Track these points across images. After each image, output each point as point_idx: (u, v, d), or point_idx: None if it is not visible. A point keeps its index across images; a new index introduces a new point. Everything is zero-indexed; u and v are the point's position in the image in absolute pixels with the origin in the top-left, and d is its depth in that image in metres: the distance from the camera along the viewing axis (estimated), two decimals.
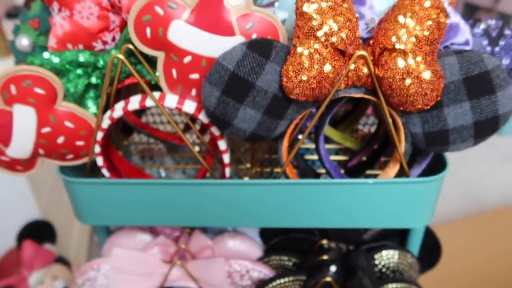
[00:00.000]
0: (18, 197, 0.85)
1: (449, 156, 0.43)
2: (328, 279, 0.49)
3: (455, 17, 0.37)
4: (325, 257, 0.52)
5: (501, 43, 0.38)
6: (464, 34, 0.37)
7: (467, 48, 0.37)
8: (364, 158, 0.51)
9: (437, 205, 0.45)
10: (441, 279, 1.04)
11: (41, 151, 0.41)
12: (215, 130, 0.40)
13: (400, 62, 0.33)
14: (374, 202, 0.42)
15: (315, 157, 0.57)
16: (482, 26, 0.38)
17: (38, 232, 0.78)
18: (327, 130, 0.53)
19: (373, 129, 0.63)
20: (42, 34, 0.43)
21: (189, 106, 0.38)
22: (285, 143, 0.40)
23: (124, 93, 0.46)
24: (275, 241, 0.56)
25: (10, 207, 0.84)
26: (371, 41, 0.35)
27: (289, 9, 0.41)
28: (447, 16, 0.33)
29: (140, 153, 0.59)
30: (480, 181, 1.45)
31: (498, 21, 0.38)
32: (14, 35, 0.44)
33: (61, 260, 0.78)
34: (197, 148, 0.60)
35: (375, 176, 0.54)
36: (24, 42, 0.43)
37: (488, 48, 0.38)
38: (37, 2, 0.42)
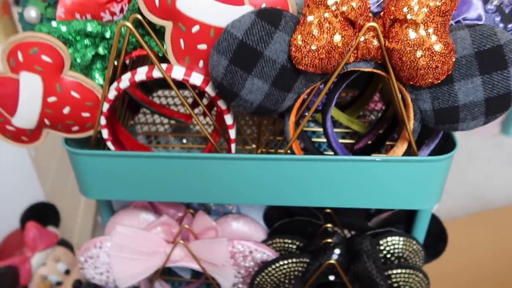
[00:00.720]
0: (23, 180, 0.85)
1: (455, 155, 0.42)
2: (332, 261, 0.49)
3: None
4: (329, 240, 0.51)
5: None
6: (476, 9, 0.36)
7: (479, 23, 0.37)
8: (370, 141, 0.51)
9: (441, 202, 0.44)
10: (445, 276, 1.04)
11: (46, 121, 0.40)
12: (221, 104, 0.40)
13: (411, 33, 0.33)
14: (381, 182, 0.41)
15: (321, 139, 0.56)
16: (495, 2, 0.37)
17: (42, 214, 0.78)
18: (334, 112, 0.53)
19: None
20: (50, 6, 0.43)
21: (196, 78, 0.38)
22: (292, 118, 0.39)
23: (130, 68, 0.46)
24: (279, 224, 0.55)
25: (15, 190, 0.84)
26: (381, 13, 0.34)
27: None
28: None
29: (146, 133, 0.58)
30: (486, 181, 1.44)
31: None
32: (22, 7, 0.44)
33: (64, 243, 0.78)
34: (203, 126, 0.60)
35: None
36: (32, 13, 0.43)
37: (501, 25, 0.37)
38: None
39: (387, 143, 0.50)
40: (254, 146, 0.52)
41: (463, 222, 1.20)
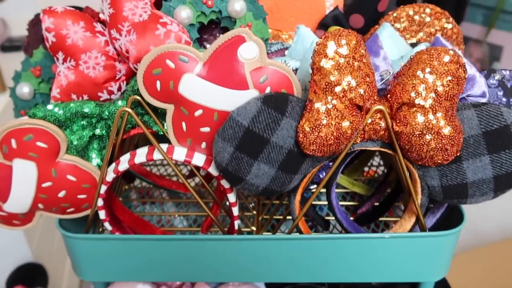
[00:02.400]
0: (10, 238, 0.82)
1: None
2: None
3: (471, 69, 0.36)
4: None
5: None
6: (480, 87, 0.36)
7: (484, 99, 0.37)
8: (375, 204, 0.50)
9: None
10: None
11: (40, 205, 0.38)
12: (224, 183, 0.38)
13: (420, 118, 0.32)
14: (389, 256, 0.40)
15: (322, 202, 0.55)
16: (497, 77, 0.37)
17: (30, 275, 0.75)
18: None
19: (378, 171, 0.62)
20: (44, 82, 0.42)
21: (199, 159, 0.37)
22: (298, 197, 0.38)
23: (128, 142, 0.44)
24: None
25: (2, 247, 0.80)
26: (388, 95, 0.34)
27: (300, 57, 0.40)
28: (466, 71, 0.32)
29: (141, 199, 0.56)
30: (478, 212, 1.44)
31: None
32: (14, 82, 0.42)
33: None
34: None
35: (385, 223, 0.52)
36: (25, 89, 0.42)
37: (504, 99, 0.38)
38: (39, 49, 0.41)
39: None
40: (254, 212, 0.50)
41: (459, 259, 1.19)
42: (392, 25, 0.43)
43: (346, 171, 0.55)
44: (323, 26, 0.48)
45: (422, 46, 0.40)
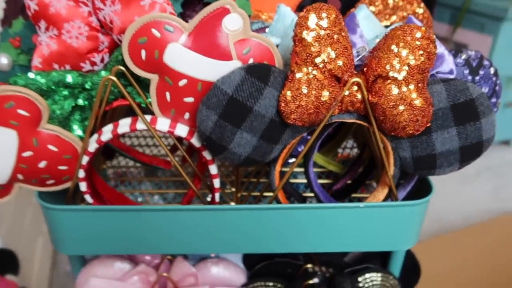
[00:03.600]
0: None
1: None
2: None
3: (440, 48, 0.38)
4: (310, 281, 0.51)
5: (481, 72, 0.40)
6: (448, 64, 0.38)
7: (451, 76, 0.39)
8: (348, 182, 0.52)
9: None
10: None
11: (20, 176, 0.38)
12: (206, 154, 0.39)
13: (394, 90, 0.34)
14: (363, 226, 0.42)
15: (298, 180, 0.57)
16: (464, 56, 0.40)
17: (0, 262, 0.73)
18: None
19: (352, 153, 0.64)
20: (23, 53, 0.42)
21: (182, 130, 0.38)
22: (277, 167, 0.40)
23: (109, 116, 0.44)
24: (259, 266, 0.55)
25: None
26: (364, 69, 0.36)
27: (281, 35, 0.41)
28: (436, 47, 0.34)
29: (119, 178, 0.57)
30: (441, 203, 1.51)
31: (478, 52, 0.41)
32: None
33: None
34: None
35: (359, 199, 0.55)
36: (3, 60, 0.41)
37: (469, 77, 0.40)
38: (19, 20, 0.41)
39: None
40: (233, 189, 0.52)
41: (424, 245, 1.25)
42: (367, 8, 0.46)
43: (321, 152, 0.57)
44: (301, 8, 0.50)
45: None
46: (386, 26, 0.45)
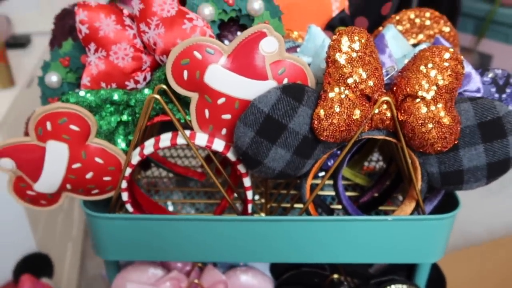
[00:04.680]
0: (15, 227, 0.83)
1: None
2: None
3: (467, 67, 0.40)
4: None
5: (508, 90, 0.41)
6: (476, 83, 0.40)
7: (478, 95, 0.40)
8: (375, 194, 0.53)
9: None
10: None
11: (68, 186, 0.41)
12: (241, 168, 0.42)
13: (423, 108, 0.36)
14: (391, 238, 0.43)
15: (325, 192, 0.58)
16: (491, 75, 0.41)
17: (36, 265, 0.76)
18: None
19: (377, 166, 0.65)
20: (72, 71, 0.45)
21: (219, 145, 0.40)
22: (308, 181, 0.42)
23: (147, 132, 0.47)
24: (287, 275, 0.56)
25: (9, 238, 0.82)
26: (394, 88, 0.37)
27: (312, 54, 0.44)
28: (464, 67, 0.36)
29: (152, 187, 0.59)
30: (466, 215, 1.49)
31: (504, 71, 0.42)
32: (43, 72, 0.45)
33: None
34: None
35: (385, 212, 0.56)
36: (53, 78, 0.44)
37: (496, 95, 0.41)
38: (68, 41, 0.44)
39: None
40: (262, 200, 0.54)
41: (448, 259, 1.23)
42: (395, 27, 0.47)
43: (348, 165, 0.58)
44: (330, 27, 0.52)
45: (423, 46, 0.44)
46: (414, 45, 0.47)
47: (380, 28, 0.50)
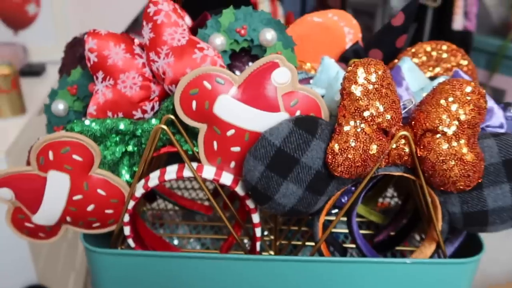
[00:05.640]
0: (17, 257, 0.81)
1: None
2: None
3: (489, 101, 0.38)
4: None
5: None
6: (498, 118, 0.38)
7: (502, 130, 0.38)
8: (391, 233, 0.50)
9: None
10: None
11: (68, 218, 0.39)
12: (250, 203, 0.39)
13: (444, 144, 0.34)
14: (409, 283, 0.40)
15: (337, 230, 0.56)
16: None
17: None
18: None
19: (392, 202, 0.62)
20: (79, 100, 0.44)
21: (227, 178, 0.38)
22: (321, 219, 0.39)
23: (153, 163, 0.46)
24: None
25: (9, 268, 0.80)
26: (412, 122, 0.36)
27: (325, 86, 0.42)
28: (486, 101, 0.34)
29: (157, 220, 0.57)
30: (485, 255, 1.43)
31: None
32: (50, 99, 0.44)
33: None
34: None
35: (401, 252, 0.53)
36: (60, 106, 0.43)
37: None
38: (77, 69, 0.43)
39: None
40: (272, 237, 0.51)
41: None
42: (411, 60, 0.46)
43: (362, 201, 0.56)
44: (343, 59, 0.51)
45: (442, 79, 0.42)
46: (430, 78, 0.45)
47: (396, 60, 0.48)
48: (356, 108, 0.33)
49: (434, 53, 0.47)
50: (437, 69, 0.47)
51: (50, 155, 0.36)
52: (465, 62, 0.47)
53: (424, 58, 0.47)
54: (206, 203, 0.58)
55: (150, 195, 0.53)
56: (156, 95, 0.41)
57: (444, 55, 0.46)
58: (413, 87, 0.42)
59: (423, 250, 0.41)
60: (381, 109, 0.33)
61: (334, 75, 0.42)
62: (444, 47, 0.46)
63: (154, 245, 0.45)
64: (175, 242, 0.60)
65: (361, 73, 0.33)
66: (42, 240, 0.41)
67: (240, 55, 0.44)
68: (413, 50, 0.47)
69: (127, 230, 0.41)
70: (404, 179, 0.52)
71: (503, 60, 1.65)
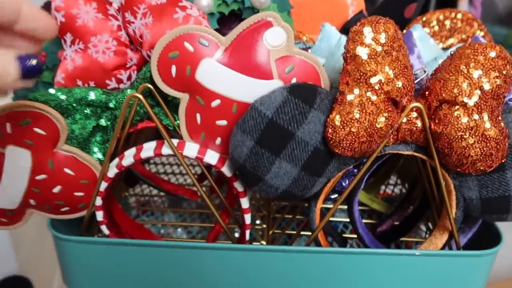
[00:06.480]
0: None
1: None
2: None
3: None
4: None
5: None
6: None
7: None
8: (395, 223, 0.46)
9: None
10: None
11: (32, 201, 0.35)
12: (238, 186, 0.35)
13: (463, 117, 0.29)
14: (417, 277, 0.36)
15: (336, 218, 0.51)
16: None
17: None
18: None
19: (395, 190, 0.58)
20: (48, 69, 0.39)
21: (211, 157, 0.33)
22: (318, 205, 0.35)
23: (133, 139, 0.41)
24: None
25: None
26: (426, 92, 0.31)
27: (325, 55, 0.37)
28: None
29: (141, 207, 0.52)
30: None
31: None
32: None
33: None
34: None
35: (406, 243, 0.48)
36: None
37: None
38: None
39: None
40: (264, 225, 0.46)
41: None
42: (422, 28, 0.41)
43: (364, 188, 0.51)
44: (346, 30, 0.46)
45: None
46: (444, 49, 0.40)
47: (404, 31, 0.43)
48: (361, 73, 0.28)
49: (447, 22, 0.42)
50: (451, 40, 0.42)
51: (8, 127, 0.32)
52: (481, 34, 0.42)
53: (436, 28, 0.42)
54: (195, 188, 0.53)
55: (131, 178, 0.48)
56: (134, 63, 0.36)
57: (459, 24, 0.41)
58: (425, 58, 0.37)
59: (434, 240, 0.36)
60: (391, 75, 0.28)
61: (336, 43, 0.37)
62: (459, 16, 0.41)
63: (132, 233, 0.40)
64: (162, 231, 0.55)
65: (368, 32, 0.28)
66: (5, 226, 0.37)
67: (230, 20, 0.39)
68: (424, 18, 0.42)
69: (99, 215, 0.36)
70: (409, 163, 0.48)
71: (508, 50, 1.60)
